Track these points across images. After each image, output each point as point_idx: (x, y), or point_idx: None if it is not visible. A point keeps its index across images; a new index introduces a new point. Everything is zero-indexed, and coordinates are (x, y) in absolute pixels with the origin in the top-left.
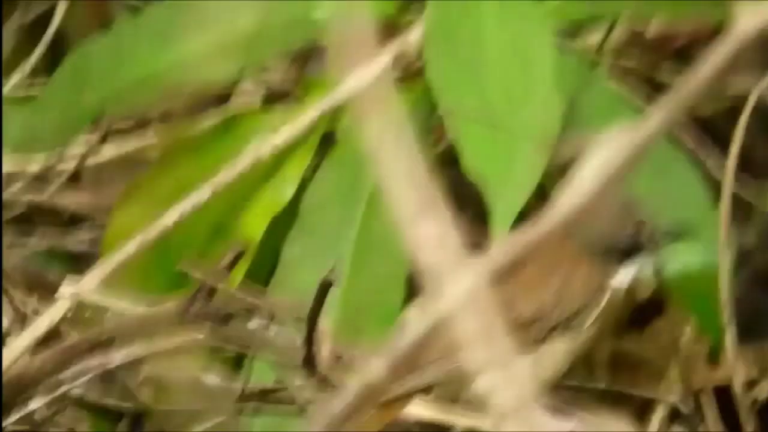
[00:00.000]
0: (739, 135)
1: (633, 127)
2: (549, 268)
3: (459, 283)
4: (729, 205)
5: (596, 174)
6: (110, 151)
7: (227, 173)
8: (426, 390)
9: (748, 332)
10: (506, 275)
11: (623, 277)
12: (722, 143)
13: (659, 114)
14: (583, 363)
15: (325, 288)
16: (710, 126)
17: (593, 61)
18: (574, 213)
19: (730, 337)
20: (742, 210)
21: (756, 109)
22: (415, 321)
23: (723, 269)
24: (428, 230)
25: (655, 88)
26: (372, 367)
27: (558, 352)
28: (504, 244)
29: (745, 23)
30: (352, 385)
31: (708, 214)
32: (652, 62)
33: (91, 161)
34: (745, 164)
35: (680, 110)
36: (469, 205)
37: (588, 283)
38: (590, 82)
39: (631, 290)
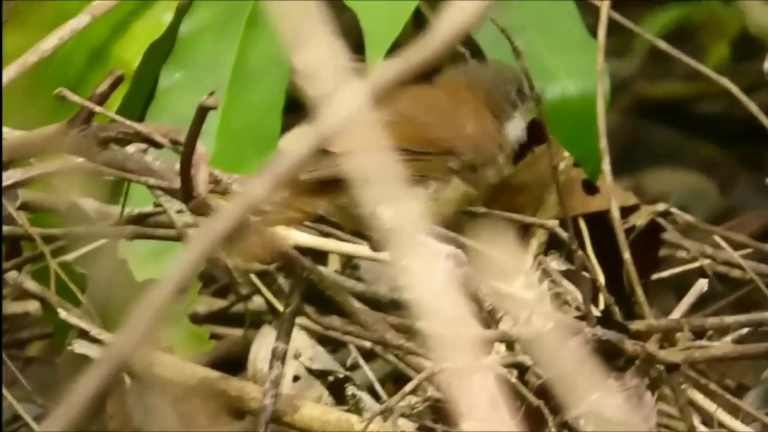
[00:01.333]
0: None
1: None
2: (462, 110)
3: (344, 104)
4: (605, 34)
5: (472, 3)
6: None
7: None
8: (315, 219)
9: (626, 159)
10: (420, 104)
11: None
12: None
13: None
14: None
15: (203, 112)
16: None
17: None
18: (451, 41)
19: (606, 165)
20: (622, 39)
21: None
22: (297, 143)
23: (600, 96)
24: (315, 53)
25: None
26: (253, 187)
27: (458, 186)
28: (385, 68)
29: None
30: (233, 206)
31: (587, 44)
32: None
33: None
34: None
35: None
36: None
37: (493, 130)
38: None
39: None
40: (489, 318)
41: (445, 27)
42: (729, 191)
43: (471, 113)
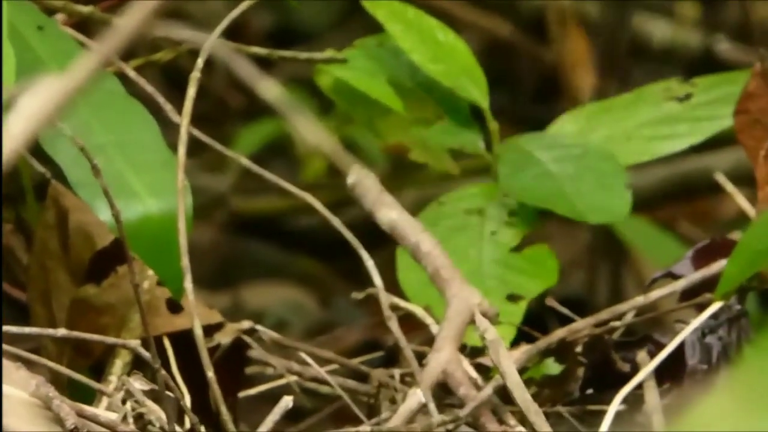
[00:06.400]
0: (195, 78)
1: (66, 72)
2: None
3: None
4: (185, 152)
5: (26, 122)
6: None
7: None
8: None
9: (224, 275)
10: None
11: None
12: (182, 88)
13: (90, 59)
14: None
15: None
16: (170, 71)
17: (50, 9)
18: (7, 162)
19: (188, 284)
20: (218, 155)
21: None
22: None
23: (181, 214)
24: None
25: None
26: None
27: None
28: None
29: None
30: None
31: (169, 162)
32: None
33: None
34: None
35: (112, 53)
36: None
37: None
38: (46, 28)
39: None
40: None
41: None
42: (328, 304)
43: None
